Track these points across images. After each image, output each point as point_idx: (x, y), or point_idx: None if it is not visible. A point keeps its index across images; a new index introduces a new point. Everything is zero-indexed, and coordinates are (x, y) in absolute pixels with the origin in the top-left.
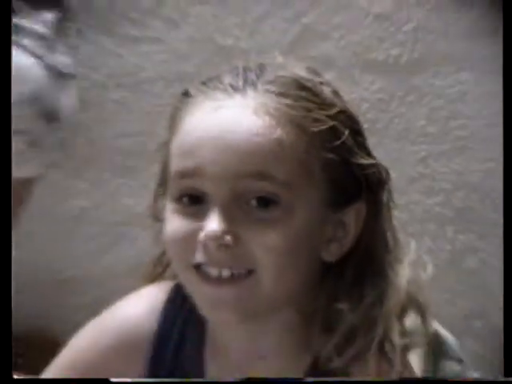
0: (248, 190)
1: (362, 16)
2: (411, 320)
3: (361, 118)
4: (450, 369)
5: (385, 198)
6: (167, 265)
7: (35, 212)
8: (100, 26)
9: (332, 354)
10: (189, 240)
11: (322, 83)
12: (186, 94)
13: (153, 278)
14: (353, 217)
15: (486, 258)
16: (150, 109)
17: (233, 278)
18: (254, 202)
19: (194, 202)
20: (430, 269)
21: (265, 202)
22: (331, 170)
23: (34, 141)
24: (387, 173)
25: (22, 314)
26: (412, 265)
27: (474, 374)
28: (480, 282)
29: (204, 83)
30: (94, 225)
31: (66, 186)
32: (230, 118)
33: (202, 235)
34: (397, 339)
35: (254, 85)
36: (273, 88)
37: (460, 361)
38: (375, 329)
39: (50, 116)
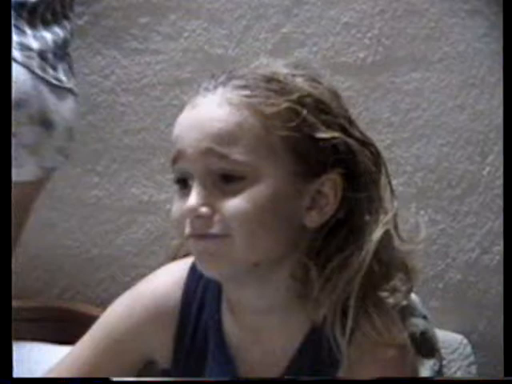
0: (214, 167)
1: (332, 25)
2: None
3: None
4: (417, 324)
5: (362, 167)
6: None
7: (59, 202)
8: (108, 41)
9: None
10: (181, 217)
11: (294, 75)
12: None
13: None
14: (329, 186)
15: (445, 228)
16: (152, 110)
17: (213, 237)
18: (221, 178)
19: (185, 184)
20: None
21: (227, 177)
22: (295, 145)
23: (28, 145)
24: (365, 144)
25: (54, 289)
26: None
27: (436, 329)
28: (439, 249)
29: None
30: (108, 211)
31: (82, 179)
32: (201, 111)
33: (183, 212)
34: (353, 302)
35: (223, 84)
36: (239, 83)
37: (425, 317)
38: (333, 295)
39: (43, 122)
